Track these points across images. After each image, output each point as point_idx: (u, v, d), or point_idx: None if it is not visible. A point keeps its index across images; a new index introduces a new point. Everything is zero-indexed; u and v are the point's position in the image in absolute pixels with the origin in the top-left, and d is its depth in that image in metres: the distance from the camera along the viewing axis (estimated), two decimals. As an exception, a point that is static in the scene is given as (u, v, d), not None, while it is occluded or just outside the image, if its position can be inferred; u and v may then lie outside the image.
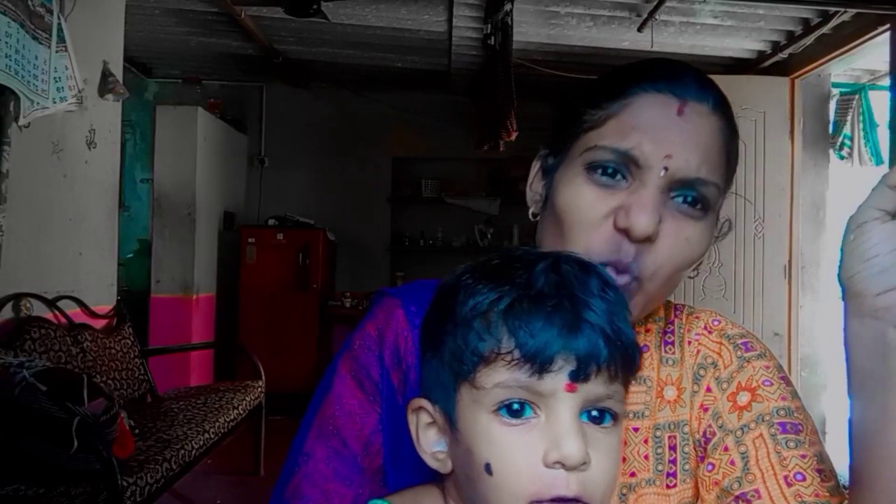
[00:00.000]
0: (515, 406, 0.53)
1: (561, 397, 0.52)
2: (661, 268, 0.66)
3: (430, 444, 0.59)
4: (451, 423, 0.56)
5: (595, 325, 0.52)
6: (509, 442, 0.53)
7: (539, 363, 0.51)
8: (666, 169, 0.65)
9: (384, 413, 0.69)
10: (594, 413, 0.54)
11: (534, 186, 0.76)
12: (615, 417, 0.55)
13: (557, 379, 0.52)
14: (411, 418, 0.60)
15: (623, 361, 0.54)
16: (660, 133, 0.65)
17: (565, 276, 0.55)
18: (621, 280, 0.65)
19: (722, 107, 0.69)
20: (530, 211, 0.76)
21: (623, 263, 0.65)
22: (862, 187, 0.57)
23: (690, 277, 0.72)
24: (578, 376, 0.52)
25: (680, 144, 0.65)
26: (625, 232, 0.65)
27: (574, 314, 0.52)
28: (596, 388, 0.53)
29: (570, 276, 0.55)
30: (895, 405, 0.53)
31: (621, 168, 0.66)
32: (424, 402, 0.59)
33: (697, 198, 0.67)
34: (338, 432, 0.69)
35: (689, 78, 0.68)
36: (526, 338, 0.51)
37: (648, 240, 0.65)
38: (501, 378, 0.52)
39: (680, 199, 0.66)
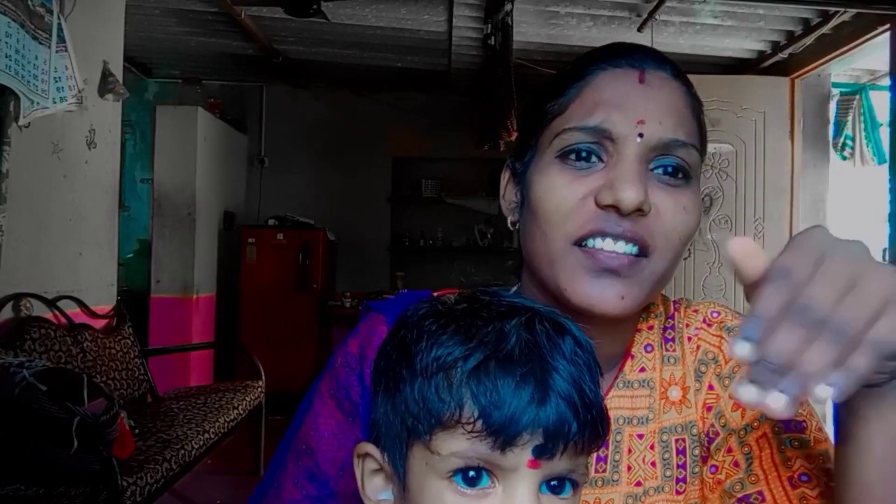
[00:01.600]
0: (472, 474, 0.49)
1: (522, 473, 0.48)
2: (669, 238, 0.63)
3: (376, 491, 0.55)
4: (399, 478, 0.53)
5: (564, 396, 0.48)
6: None
7: (504, 438, 0.47)
8: (641, 135, 0.62)
9: (363, 434, 0.65)
10: (553, 483, 0.51)
11: (507, 196, 0.73)
12: (575, 487, 0.52)
13: (521, 455, 0.48)
14: (356, 462, 0.56)
15: (591, 434, 0.50)
16: (626, 101, 0.63)
17: (538, 336, 0.50)
18: (622, 249, 0.62)
19: (682, 76, 0.68)
20: (508, 220, 0.73)
21: (616, 232, 0.61)
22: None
23: (684, 259, 0.69)
24: (543, 453, 0.48)
25: (650, 109, 0.63)
26: (612, 209, 0.61)
27: (543, 384, 0.48)
28: (561, 463, 0.49)
29: (542, 338, 0.50)
30: (877, 446, 0.51)
31: (594, 148, 0.64)
32: (371, 449, 0.55)
33: (677, 166, 0.64)
34: (312, 454, 0.67)
35: (643, 51, 0.67)
36: (491, 409, 0.47)
37: (640, 212, 0.61)
38: (460, 448, 0.48)
39: (661, 171, 0.64)
